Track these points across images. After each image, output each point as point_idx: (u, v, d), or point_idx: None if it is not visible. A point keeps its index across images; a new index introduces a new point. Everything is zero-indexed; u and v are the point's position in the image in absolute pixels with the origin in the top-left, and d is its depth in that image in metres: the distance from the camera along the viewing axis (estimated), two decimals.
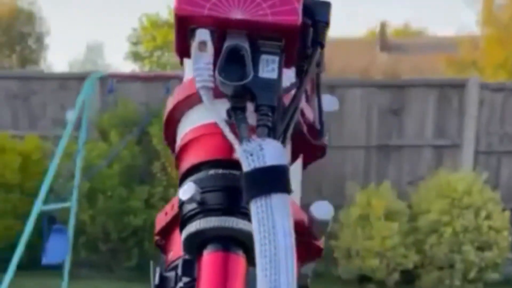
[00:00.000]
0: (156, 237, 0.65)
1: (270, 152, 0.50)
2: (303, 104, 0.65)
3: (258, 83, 0.52)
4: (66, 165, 6.08)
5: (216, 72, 0.52)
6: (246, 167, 0.50)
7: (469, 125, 7.68)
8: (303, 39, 0.56)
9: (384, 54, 21.45)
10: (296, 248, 0.62)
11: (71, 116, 5.67)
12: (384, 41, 22.76)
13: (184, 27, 0.53)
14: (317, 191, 7.48)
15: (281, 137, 0.53)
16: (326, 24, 0.57)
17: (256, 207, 0.50)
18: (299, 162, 0.72)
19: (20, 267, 5.22)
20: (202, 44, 0.52)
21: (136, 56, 24.38)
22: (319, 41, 0.57)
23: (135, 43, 24.33)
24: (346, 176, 7.52)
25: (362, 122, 7.68)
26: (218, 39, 0.53)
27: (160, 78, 6.71)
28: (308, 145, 0.69)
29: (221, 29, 0.53)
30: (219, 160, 0.55)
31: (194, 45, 0.52)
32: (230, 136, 0.52)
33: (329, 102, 0.70)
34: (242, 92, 0.52)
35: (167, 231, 0.63)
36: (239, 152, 0.51)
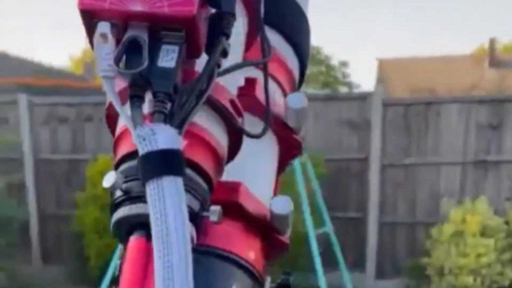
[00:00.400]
0: None
1: (162, 136, 0.52)
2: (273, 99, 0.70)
3: (155, 71, 0.54)
4: None
5: (112, 61, 0.54)
6: (140, 151, 0.52)
7: None
8: (213, 30, 0.58)
9: (493, 70, 20.80)
10: (261, 243, 0.69)
11: None
12: (493, 57, 22.09)
13: (88, 21, 0.55)
14: (411, 208, 7.39)
15: (178, 123, 0.54)
16: (231, 14, 0.59)
17: (149, 189, 0.51)
18: (271, 162, 0.74)
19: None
20: (103, 36, 0.54)
21: None
22: (223, 32, 0.58)
23: None
24: (441, 193, 7.37)
25: (459, 138, 7.51)
26: (122, 31, 0.55)
27: None
28: (282, 143, 0.72)
29: (123, 22, 0.55)
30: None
31: (95, 38, 0.55)
32: (129, 123, 0.54)
33: (296, 99, 0.72)
34: (140, 80, 0.54)
35: None
36: (134, 137, 0.52)
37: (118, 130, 0.61)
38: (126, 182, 0.56)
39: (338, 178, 7.40)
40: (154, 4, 0.54)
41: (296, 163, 5.46)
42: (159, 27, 0.55)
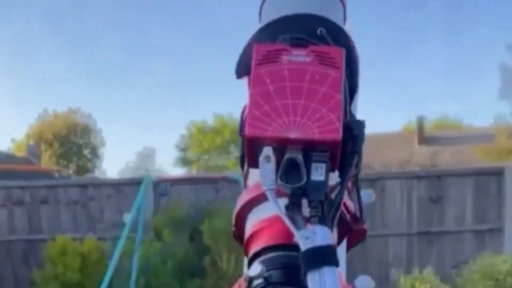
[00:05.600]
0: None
1: (321, 235, 0.64)
2: (345, 198, 0.78)
3: (310, 184, 0.67)
4: (124, 264, 6.46)
5: (278, 178, 0.67)
6: (303, 247, 0.64)
7: (510, 209, 7.88)
8: (344, 149, 0.70)
9: (423, 147, 21.72)
10: None
11: (128, 218, 6.11)
12: (422, 134, 23.08)
13: (253, 145, 0.70)
14: None
15: (329, 224, 0.67)
16: (362, 137, 0.71)
17: (312, 276, 0.63)
18: (343, 244, 0.83)
19: None
20: (267, 158, 0.68)
21: (184, 161, 25.35)
22: (356, 151, 0.71)
23: (183, 149, 25.34)
24: (390, 263, 7.77)
25: (403, 211, 7.97)
26: (280, 152, 0.69)
27: (207, 180, 7.06)
28: (352, 230, 0.80)
29: (282, 145, 0.68)
30: (279, 245, 0.70)
31: (261, 159, 0.68)
32: (290, 225, 0.66)
33: (367, 195, 0.80)
34: (298, 191, 0.67)
35: None
36: (298, 237, 0.65)
37: (251, 228, 0.74)
38: (268, 270, 0.68)
39: None
40: (307, 132, 0.68)
41: None
42: (309, 149, 0.68)
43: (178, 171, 25.81)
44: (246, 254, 0.74)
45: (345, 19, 0.89)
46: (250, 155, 0.70)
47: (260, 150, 0.69)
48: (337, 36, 0.80)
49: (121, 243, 5.98)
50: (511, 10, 37.91)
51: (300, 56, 0.73)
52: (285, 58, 0.73)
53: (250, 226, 0.75)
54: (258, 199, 0.74)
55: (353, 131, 0.71)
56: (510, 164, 9.54)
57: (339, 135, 0.68)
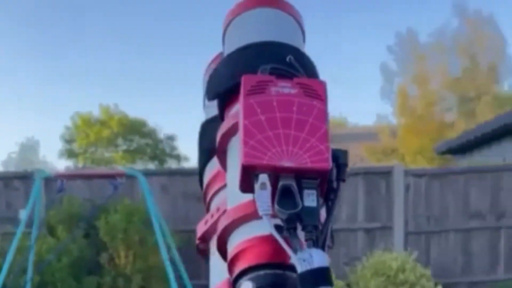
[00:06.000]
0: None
1: (317, 258, 0.68)
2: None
3: (304, 210, 0.70)
4: (16, 261, 6.24)
5: (275, 204, 0.71)
6: (300, 269, 0.68)
7: (398, 209, 8.21)
8: (329, 177, 0.74)
9: None
10: None
11: (24, 215, 5.90)
12: None
13: (249, 172, 0.72)
14: None
15: (322, 246, 0.71)
16: (346, 165, 0.77)
17: None
18: None
19: None
20: (263, 184, 0.71)
21: (70, 153, 24.64)
22: (342, 178, 0.76)
23: (68, 141, 24.62)
24: None
25: None
26: (274, 179, 0.72)
27: (103, 175, 6.93)
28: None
29: (276, 173, 0.72)
30: (268, 263, 0.73)
31: (257, 185, 0.71)
32: (286, 247, 0.69)
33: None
34: (294, 216, 0.70)
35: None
36: (295, 259, 0.68)
37: (237, 246, 0.76)
38: None
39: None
40: (300, 161, 0.72)
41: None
42: (301, 176, 0.72)
43: (64, 164, 25.21)
44: (231, 272, 0.76)
45: (304, 43, 0.93)
46: (244, 181, 0.73)
47: (254, 176, 0.72)
48: (303, 63, 0.84)
49: (17, 239, 5.76)
50: (393, 13, 39.48)
51: (286, 87, 0.77)
52: (272, 89, 0.76)
53: (234, 245, 0.77)
54: (243, 220, 0.76)
55: (339, 160, 0.76)
56: (397, 164, 9.91)
57: (328, 164, 0.72)
